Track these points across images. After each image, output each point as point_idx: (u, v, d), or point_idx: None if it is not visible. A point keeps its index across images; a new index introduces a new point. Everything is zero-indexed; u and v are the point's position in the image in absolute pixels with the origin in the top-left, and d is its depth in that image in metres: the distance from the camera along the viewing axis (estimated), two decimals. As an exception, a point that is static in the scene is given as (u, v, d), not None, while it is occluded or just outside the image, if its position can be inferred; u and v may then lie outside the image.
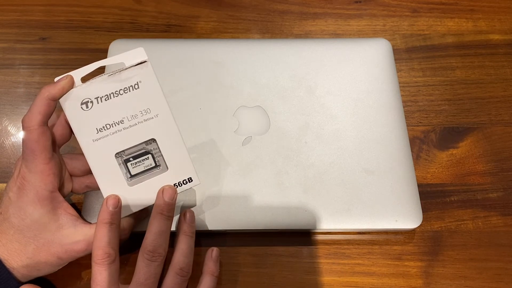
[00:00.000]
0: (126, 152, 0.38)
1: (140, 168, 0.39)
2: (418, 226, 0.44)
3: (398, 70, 0.54)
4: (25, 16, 0.59)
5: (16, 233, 0.37)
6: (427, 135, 0.51)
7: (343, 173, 0.46)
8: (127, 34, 0.58)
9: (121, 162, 0.38)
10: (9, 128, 0.52)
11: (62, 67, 0.55)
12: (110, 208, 0.37)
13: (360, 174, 0.46)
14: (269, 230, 0.44)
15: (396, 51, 0.55)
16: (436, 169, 0.49)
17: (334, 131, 0.48)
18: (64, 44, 0.57)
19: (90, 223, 0.39)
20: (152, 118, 0.38)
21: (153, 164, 0.39)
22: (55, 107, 0.37)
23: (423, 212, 0.45)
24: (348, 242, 0.45)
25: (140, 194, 0.39)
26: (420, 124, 0.52)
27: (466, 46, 0.57)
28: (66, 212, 0.38)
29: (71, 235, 0.37)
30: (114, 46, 0.53)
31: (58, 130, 0.39)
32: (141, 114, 0.38)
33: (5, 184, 0.48)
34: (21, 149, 0.37)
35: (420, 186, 0.47)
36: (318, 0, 0.61)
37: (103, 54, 0.53)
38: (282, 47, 0.53)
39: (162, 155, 0.39)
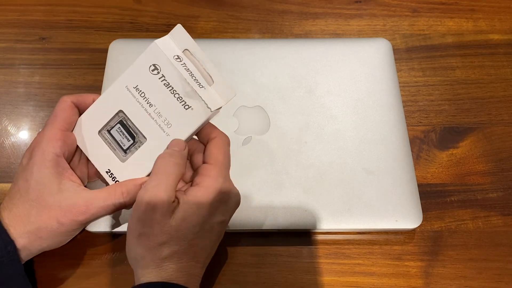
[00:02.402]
0: (127, 120, 0.39)
1: (117, 137, 0.40)
2: (418, 226, 0.44)
3: (398, 70, 0.54)
4: (25, 16, 0.59)
5: (21, 196, 0.37)
6: (427, 135, 0.51)
7: (343, 173, 0.46)
8: (127, 34, 0.58)
9: (118, 117, 0.40)
10: (9, 128, 0.52)
11: (62, 67, 0.55)
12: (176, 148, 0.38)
13: (360, 174, 0.46)
14: (269, 230, 0.44)
15: (396, 51, 0.55)
16: (436, 169, 0.49)
17: (334, 131, 0.48)
18: (64, 44, 0.57)
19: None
20: (164, 132, 0.39)
21: (125, 148, 0.40)
22: (85, 107, 0.40)
23: (423, 212, 0.45)
24: (348, 242, 0.45)
25: (94, 146, 0.40)
26: (420, 124, 0.52)
27: (466, 46, 0.57)
28: (69, 178, 0.38)
29: (71, 198, 0.37)
30: (114, 46, 0.53)
31: None
32: (164, 120, 0.39)
33: (5, 184, 0.48)
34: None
35: (420, 186, 0.47)
36: (318, 0, 0.61)
37: (103, 54, 0.53)
38: (282, 47, 0.53)
39: (134, 153, 0.40)
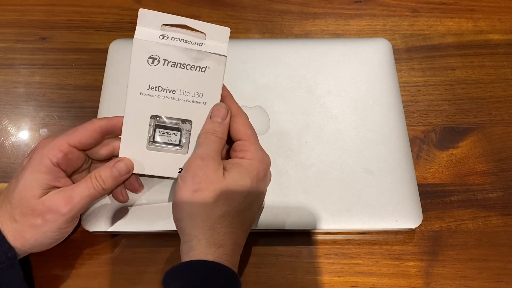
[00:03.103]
0: (161, 120, 0.40)
1: (164, 139, 0.40)
2: (418, 226, 0.44)
3: (398, 70, 0.54)
4: (25, 16, 0.59)
5: (7, 196, 0.37)
6: (427, 135, 0.51)
7: (343, 173, 0.46)
8: (127, 34, 0.58)
9: (152, 124, 0.40)
10: (9, 128, 0.52)
11: (62, 67, 0.55)
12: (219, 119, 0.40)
13: (360, 174, 0.46)
14: (269, 230, 0.44)
15: (396, 51, 0.55)
16: (436, 169, 0.49)
17: (334, 131, 0.48)
18: (64, 44, 0.57)
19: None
20: (200, 103, 0.40)
21: (177, 142, 0.41)
22: (114, 134, 0.41)
23: (423, 212, 0.45)
24: (348, 242, 0.45)
25: (153, 161, 0.41)
26: (420, 124, 0.52)
27: (466, 46, 0.57)
28: (57, 184, 0.38)
29: (54, 196, 0.37)
30: (114, 46, 0.53)
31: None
32: (193, 95, 0.39)
33: (5, 184, 0.48)
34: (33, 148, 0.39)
35: (420, 186, 0.47)
36: (318, 0, 0.61)
37: (103, 54, 0.53)
38: (282, 47, 0.53)
39: (189, 139, 0.40)
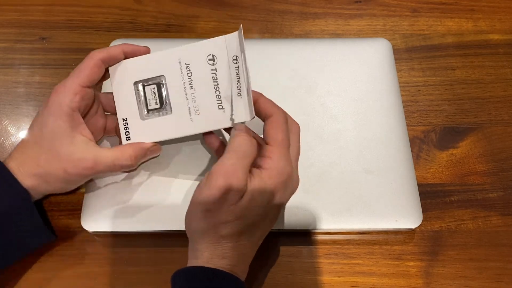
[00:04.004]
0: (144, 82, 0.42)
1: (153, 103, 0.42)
2: (418, 226, 0.44)
3: (398, 70, 0.54)
4: (25, 16, 0.59)
5: (35, 143, 0.39)
6: (427, 135, 0.51)
7: (343, 173, 0.46)
8: (127, 34, 0.58)
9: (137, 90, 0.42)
10: (9, 128, 0.52)
11: (62, 67, 0.55)
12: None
13: (360, 174, 0.46)
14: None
15: (396, 51, 0.55)
16: (436, 169, 0.49)
17: (334, 131, 0.48)
18: (64, 44, 0.57)
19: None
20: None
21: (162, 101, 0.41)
22: (114, 63, 0.42)
23: (423, 212, 0.45)
24: (348, 242, 0.45)
25: (149, 130, 0.41)
26: (420, 124, 0.52)
27: (466, 46, 0.57)
28: (81, 133, 0.40)
29: (82, 152, 0.38)
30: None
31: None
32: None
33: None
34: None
35: (420, 186, 0.47)
36: (318, 0, 0.61)
37: (103, 54, 0.53)
38: (282, 47, 0.53)
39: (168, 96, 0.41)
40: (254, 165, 0.37)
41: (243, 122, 0.39)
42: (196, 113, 0.40)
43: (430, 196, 0.48)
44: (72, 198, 0.47)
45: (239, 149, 0.36)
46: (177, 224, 0.44)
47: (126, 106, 0.42)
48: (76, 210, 0.46)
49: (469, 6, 0.60)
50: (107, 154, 0.39)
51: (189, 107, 0.40)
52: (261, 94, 0.40)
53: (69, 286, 0.43)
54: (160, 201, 0.44)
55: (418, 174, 0.49)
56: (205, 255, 0.36)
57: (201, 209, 0.36)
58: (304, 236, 0.46)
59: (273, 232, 0.45)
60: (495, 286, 0.44)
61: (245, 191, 0.35)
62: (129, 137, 0.42)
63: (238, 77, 0.39)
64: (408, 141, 0.48)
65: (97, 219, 0.44)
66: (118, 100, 0.42)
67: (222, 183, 0.34)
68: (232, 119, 0.39)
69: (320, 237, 0.46)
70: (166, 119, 0.41)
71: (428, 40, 0.57)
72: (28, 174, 0.38)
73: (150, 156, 0.43)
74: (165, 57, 0.41)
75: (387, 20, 0.59)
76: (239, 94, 0.39)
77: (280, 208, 0.38)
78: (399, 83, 0.52)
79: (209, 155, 0.47)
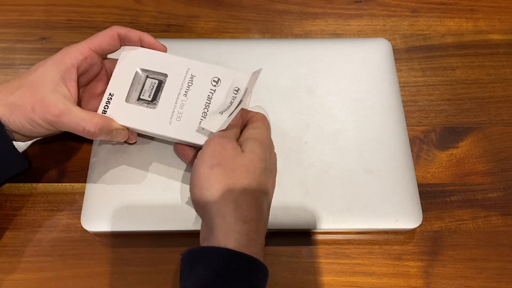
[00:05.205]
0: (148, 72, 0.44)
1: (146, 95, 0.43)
2: (418, 226, 0.44)
3: (398, 70, 0.54)
4: (25, 16, 0.59)
5: (24, 76, 0.40)
6: (427, 135, 0.51)
7: (343, 173, 0.46)
8: (127, 34, 0.58)
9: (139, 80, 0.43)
10: (9, 128, 0.51)
11: (62, 67, 0.55)
12: None
13: (360, 174, 0.46)
14: (269, 230, 0.44)
15: (396, 51, 0.55)
16: (436, 169, 0.49)
17: (334, 131, 0.48)
18: (64, 44, 0.56)
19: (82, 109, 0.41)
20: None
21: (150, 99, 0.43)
22: (129, 44, 0.44)
23: (423, 212, 0.45)
24: (348, 242, 0.45)
25: (128, 114, 0.42)
26: (420, 124, 0.52)
27: (466, 46, 0.57)
28: (68, 87, 0.41)
29: (56, 99, 0.39)
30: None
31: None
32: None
33: (6, 184, 0.48)
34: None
35: (420, 186, 0.47)
36: (318, 0, 0.61)
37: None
38: (282, 47, 0.53)
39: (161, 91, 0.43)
40: (244, 129, 0.41)
41: (209, 131, 0.41)
42: (177, 119, 0.42)
43: (430, 196, 0.48)
44: (72, 198, 0.47)
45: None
46: (177, 224, 0.44)
47: (119, 84, 0.43)
48: (76, 210, 0.46)
49: (469, 6, 0.60)
50: (76, 111, 0.39)
51: (173, 111, 0.42)
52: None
53: (69, 286, 0.43)
54: (160, 201, 0.44)
55: (418, 174, 0.49)
56: (227, 219, 0.35)
57: (209, 166, 0.37)
58: (304, 236, 0.46)
59: (273, 232, 0.45)
60: (495, 286, 0.44)
61: (240, 145, 0.38)
62: (106, 111, 0.42)
63: (230, 104, 0.42)
64: (408, 141, 0.48)
65: (97, 219, 0.44)
66: (115, 76, 0.43)
67: (219, 138, 0.38)
68: (200, 123, 0.41)
69: (320, 237, 0.46)
70: (147, 112, 0.42)
71: (428, 40, 0.57)
72: (1, 102, 0.39)
73: (116, 138, 0.42)
74: (176, 61, 0.44)
75: (387, 20, 0.59)
76: (220, 113, 0.41)
77: (275, 172, 0.41)
78: (399, 83, 0.52)
79: (209, 155, 0.47)
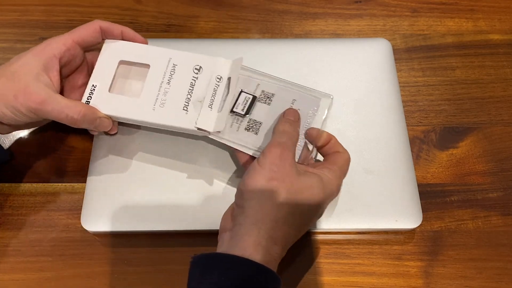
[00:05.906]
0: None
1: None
2: (418, 226, 0.44)
3: (398, 70, 0.54)
4: (25, 16, 0.59)
5: (6, 66, 0.40)
6: (427, 135, 0.51)
7: (343, 173, 0.46)
8: (127, 34, 0.58)
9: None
10: (9, 128, 0.51)
11: (62, 67, 0.55)
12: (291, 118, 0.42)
13: (360, 174, 0.46)
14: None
15: (396, 51, 0.55)
16: (436, 169, 0.49)
17: (334, 131, 0.48)
18: (64, 44, 0.57)
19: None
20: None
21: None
22: (111, 37, 0.44)
23: (423, 212, 0.45)
24: (348, 242, 0.45)
25: (111, 103, 0.43)
26: (420, 124, 0.52)
27: (466, 46, 0.57)
28: (50, 76, 0.41)
29: (38, 87, 0.39)
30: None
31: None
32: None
33: (5, 184, 0.48)
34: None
35: (420, 186, 0.47)
36: (318, 0, 0.61)
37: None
38: (282, 47, 0.53)
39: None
40: (321, 165, 0.40)
41: (207, 131, 0.42)
42: (161, 106, 0.43)
43: (430, 196, 0.48)
44: (72, 198, 0.47)
45: (285, 133, 0.40)
46: (177, 224, 0.44)
47: (102, 76, 0.43)
48: (76, 210, 0.46)
49: (469, 6, 0.60)
50: (60, 99, 0.40)
51: (157, 98, 0.43)
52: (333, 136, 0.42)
53: (69, 286, 0.43)
54: (160, 201, 0.45)
55: (418, 174, 0.49)
56: (262, 233, 0.35)
57: (266, 178, 0.36)
58: (304, 236, 0.45)
59: (273, 232, 0.45)
60: (495, 286, 0.44)
61: (302, 171, 0.38)
62: (89, 101, 0.42)
63: (214, 93, 0.42)
64: (408, 141, 0.48)
65: (97, 219, 0.44)
66: (98, 68, 0.44)
67: (279, 150, 0.37)
68: (195, 123, 0.42)
69: (320, 237, 0.46)
70: (130, 100, 0.43)
71: (428, 40, 0.57)
72: None
73: (99, 127, 0.42)
74: (158, 52, 0.44)
75: (387, 20, 0.59)
76: (210, 106, 0.42)
77: (324, 208, 0.40)
78: (399, 83, 0.52)
79: (209, 157, 0.47)
